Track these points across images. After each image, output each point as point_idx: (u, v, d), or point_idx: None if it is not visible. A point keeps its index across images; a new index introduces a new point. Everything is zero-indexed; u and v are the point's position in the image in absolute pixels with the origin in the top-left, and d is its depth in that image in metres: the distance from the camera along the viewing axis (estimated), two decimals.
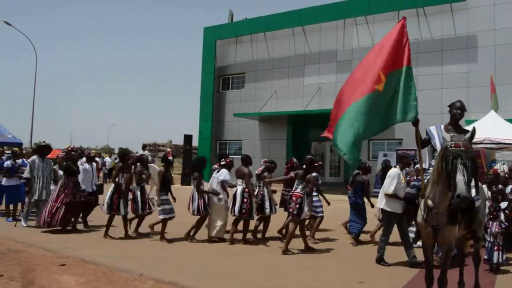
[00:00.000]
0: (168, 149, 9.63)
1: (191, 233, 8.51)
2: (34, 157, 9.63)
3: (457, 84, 17.97)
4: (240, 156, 9.49)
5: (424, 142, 5.30)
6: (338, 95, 5.47)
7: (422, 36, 19.28)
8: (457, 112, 5.21)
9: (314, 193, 8.68)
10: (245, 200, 8.26)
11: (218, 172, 8.60)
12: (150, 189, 14.89)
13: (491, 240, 6.56)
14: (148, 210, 8.97)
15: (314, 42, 22.60)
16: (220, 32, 26.30)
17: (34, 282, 5.57)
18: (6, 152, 13.79)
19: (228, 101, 25.85)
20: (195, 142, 25.96)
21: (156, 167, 9.86)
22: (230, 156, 9.14)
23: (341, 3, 21.72)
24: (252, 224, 9.00)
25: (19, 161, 10.96)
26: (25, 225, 9.50)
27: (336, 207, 11.62)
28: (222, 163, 8.65)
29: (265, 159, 9.39)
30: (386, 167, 8.90)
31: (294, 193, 7.76)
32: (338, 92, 5.56)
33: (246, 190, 8.36)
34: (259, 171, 9.08)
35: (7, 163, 10.58)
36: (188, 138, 24.05)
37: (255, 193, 8.65)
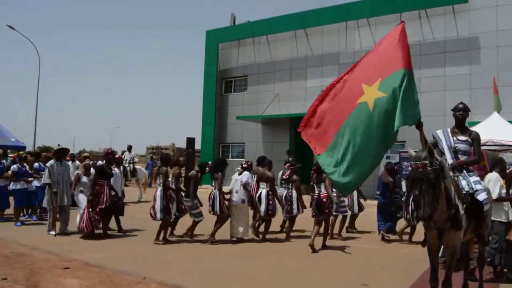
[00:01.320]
0: (210, 162, 9.73)
1: (210, 234, 8.59)
2: (52, 161, 9.35)
3: (460, 86, 17.93)
4: (243, 159, 9.70)
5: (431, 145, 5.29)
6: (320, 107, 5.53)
7: (424, 38, 19.26)
8: (459, 114, 5.20)
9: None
10: (270, 202, 8.92)
11: (240, 174, 8.92)
12: (141, 191, 14.84)
13: None
14: (182, 211, 8.99)
15: (316, 44, 22.60)
16: (222, 35, 26.32)
17: (38, 285, 5.59)
18: (9, 155, 13.88)
19: (231, 104, 25.86)
20: (198, 145, 25.95)
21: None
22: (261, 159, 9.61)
23: (343, 5, 21.73)
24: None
25: (36, 165, 11.06)
26: (54, 234, 8.99)
27: None
28: (244, 166, 9.07)
29: (288, 164, 9.89)
30: None
31: (322, 195, 8.32)
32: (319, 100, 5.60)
33: (271, 193, 8.97)
34: (287, 175, 9.52)
35: (14, 167, 10.53)
36: (190, 141, 24.02)
37: (285, 194, 9.34)
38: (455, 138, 5.06)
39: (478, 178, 4.91)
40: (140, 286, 5.70)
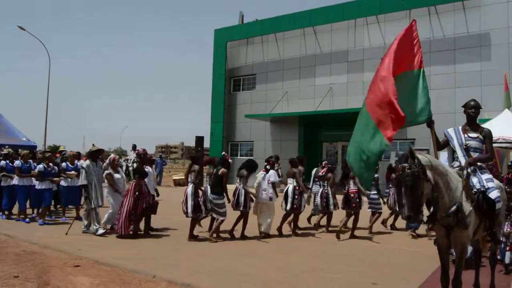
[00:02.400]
0: (224, 152, 9.90)
1: (240, 230, 9.07)
2: (88, 162, 9.25)
3: (471, 83, 17.79)
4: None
5: (442, 144, 5.26)
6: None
7: (434, 35, 19.12)
8: (471, 111, 5.14)
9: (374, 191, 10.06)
10: (296, 197, 9.36)
11: (266, 174, 9.26)
12: None
13: (504, 240, 6.46)
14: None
15: (325, 42, 22.54)
16: (230, 33, 26.35)
17: (49, 283, 5.63)
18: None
19: (239, 102, 25.88)
20: (206, 144, 26.05)
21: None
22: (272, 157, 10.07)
23: (352, 2, 21.63)
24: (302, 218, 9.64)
25: (64, 165, 11.13)
26: (99, 233, 8.96)
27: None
28: (267, 167, 9.37)
29: (326, 161, 10.35)
30: None
31: (350, 190, 9.16)
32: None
33: (297, 187, 9.43)
34: (323, 173, 9.95)
35: (40, 167, 10.44)
36: (199, 140, 24.10)
37: (321, 191, 9.84)
38: (466, 136, 5.01)
39: (490, 176, 4.85)
40: (150, 285, 5.72)
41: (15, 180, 10.67)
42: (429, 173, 4.12)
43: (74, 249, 7.55)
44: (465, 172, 4.71)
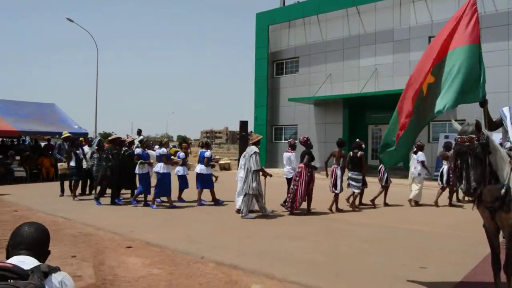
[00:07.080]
0: (358, 139, 11.23)
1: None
2: (256, 148, 9.68)
3: None
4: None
5: (496, 123, 5.03)
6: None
7: (486, 9, 18.16)
8: None
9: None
10: (451, 175, 10.97)
11: (416, 154, 11.52)
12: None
13: None
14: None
15: (369, 22, 21.93)
16: (272, 17, 26.12)
17: (104, 263, 5.93)
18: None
19: (283, 86, 25.76)
20: (250, 128, 26.18)
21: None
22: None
23: None
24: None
25: (181, 154, 11.79)
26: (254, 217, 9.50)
27: (396, 191, 11.37)
28: (414, 148, 11.44)
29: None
30: None
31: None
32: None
33: (451, 167, 10.46)
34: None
35: (181, 155, 11.54)
36: (243, 124, 24.26)
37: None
38: None
39: None
40: (198, 265, 5.90)
41: (160, 168, 10.77)
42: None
43: (127, 231, 7.89)
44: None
